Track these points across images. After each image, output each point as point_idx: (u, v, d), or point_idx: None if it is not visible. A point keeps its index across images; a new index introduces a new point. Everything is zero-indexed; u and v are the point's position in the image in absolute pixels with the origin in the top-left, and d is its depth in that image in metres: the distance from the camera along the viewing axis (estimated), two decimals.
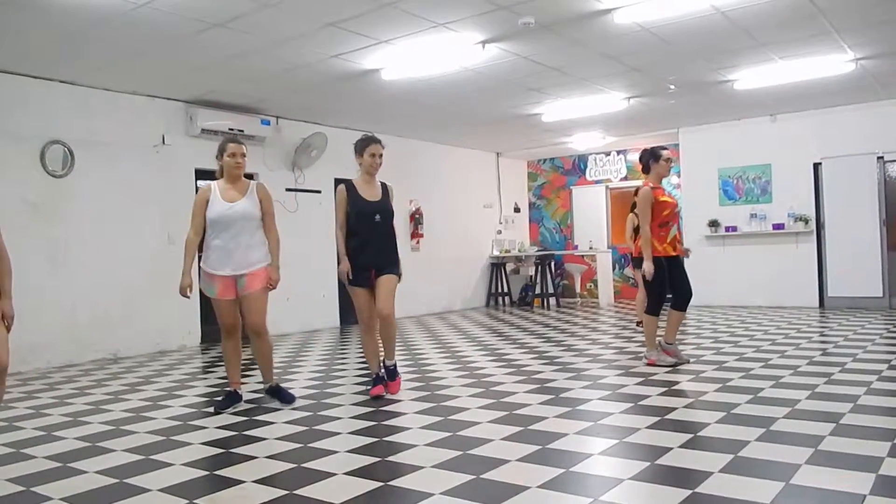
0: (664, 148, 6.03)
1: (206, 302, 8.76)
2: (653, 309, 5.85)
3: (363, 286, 4.98)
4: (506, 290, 13.56)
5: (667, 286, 5.80)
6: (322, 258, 10.21)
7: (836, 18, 6.36)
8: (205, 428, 4.31)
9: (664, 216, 5.78)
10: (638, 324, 8.34)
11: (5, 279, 3.41)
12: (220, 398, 4.96)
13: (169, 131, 8.41)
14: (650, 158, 5.91)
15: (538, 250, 13.64)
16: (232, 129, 8.72)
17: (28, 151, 7.20)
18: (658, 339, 5.98)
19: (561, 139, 12.34)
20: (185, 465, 3.53)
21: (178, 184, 8.52)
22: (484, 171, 13.70)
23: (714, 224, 11.32)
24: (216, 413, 4.68)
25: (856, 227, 10.07)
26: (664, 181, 6.15)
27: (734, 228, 11.14)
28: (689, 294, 5.89)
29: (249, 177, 9.25)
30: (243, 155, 4.79)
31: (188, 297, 4.75)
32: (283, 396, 4.92)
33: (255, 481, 3.20)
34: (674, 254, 5.82)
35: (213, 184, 4.80)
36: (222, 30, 6.03)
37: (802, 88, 8.99)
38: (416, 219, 11.83)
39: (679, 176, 11.82)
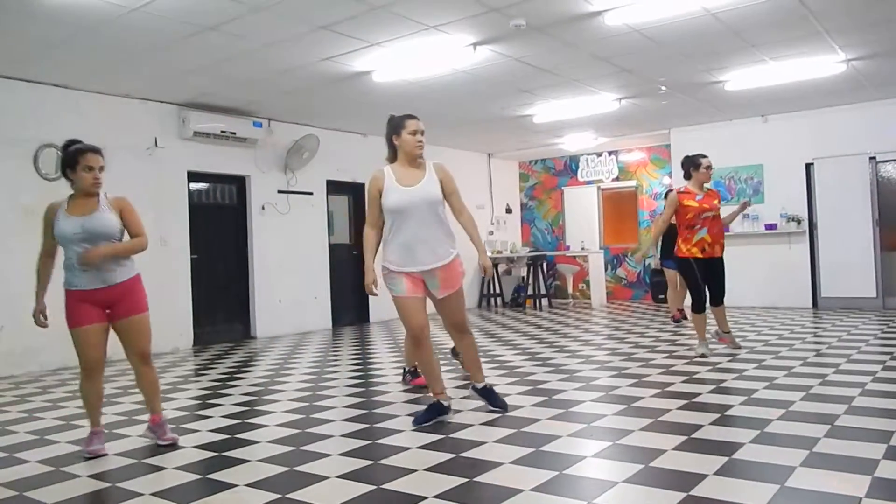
0: (704, 156, 6.42)
1: (198, 304, 8.90)
2: (696, 307, 6.31)
3: None
4: (498, 290, 13.54)
5: (702, 284, 6.29)
6: (315, 260, 10.19)
7: (826, 20, 6.39)
8: (197, 431, 4.30)
9: (688, 219, 6.26)
10: (673, 318, 9.05)
11: None
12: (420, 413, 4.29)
13: (161, 134, 8.37)
14: (691, 166, 6.38)
15: (530, 251, 13.64)
16: (224, 132, 8.74)
17: (21, 155, 7.16)
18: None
19: (552, 140, 12.35)
20: (177, 468, 3.51)
21: (171, 186, 8.49)
22: (475, 172, 13.68)
23: None
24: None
25: (848, 227, 10.10)
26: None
27: (726, 229, 11.10)
28: (720, 291, 6.51)
29: (242, 179, 9.45)
30: (423, 132, 4.29)
31: (375, 295, 4.30)
32: (495, 401, 4.42)
33: (247, 485, 3.19)
34: (701, 256, 6.26)
35: (386, 168, 4.22)
36: (214, 33, 6.01)
37: (794, 89, 9.00)
38: None
39: (670, 177, 11.83)
